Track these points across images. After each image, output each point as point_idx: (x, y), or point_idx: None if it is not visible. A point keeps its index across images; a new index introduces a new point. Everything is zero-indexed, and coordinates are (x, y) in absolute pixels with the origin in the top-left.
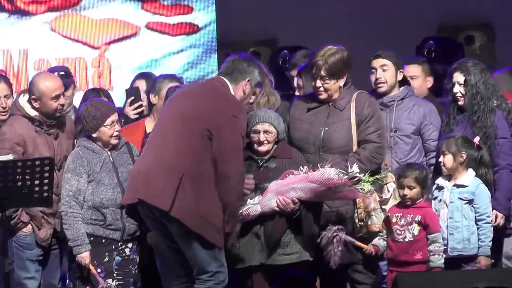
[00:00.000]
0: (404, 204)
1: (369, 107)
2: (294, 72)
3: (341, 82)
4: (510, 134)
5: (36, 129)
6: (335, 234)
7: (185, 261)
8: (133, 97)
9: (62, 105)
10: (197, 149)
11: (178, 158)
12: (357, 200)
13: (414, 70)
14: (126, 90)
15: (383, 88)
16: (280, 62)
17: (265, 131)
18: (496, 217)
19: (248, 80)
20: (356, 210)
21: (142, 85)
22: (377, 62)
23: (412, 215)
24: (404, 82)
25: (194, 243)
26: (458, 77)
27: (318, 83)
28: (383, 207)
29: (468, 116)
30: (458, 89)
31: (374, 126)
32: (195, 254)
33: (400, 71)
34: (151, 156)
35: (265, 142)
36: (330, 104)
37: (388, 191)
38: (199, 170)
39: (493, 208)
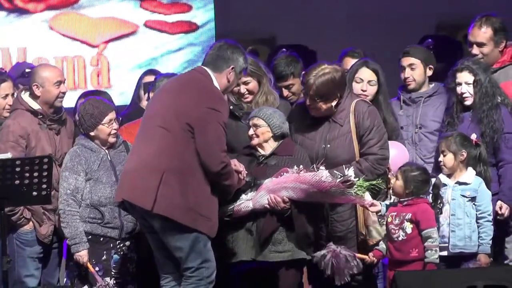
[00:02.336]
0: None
1: (368, 118)
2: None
3: (333, 102)
4: None
5: (40, 122)
6: (332, 249)
7: (173, 258)
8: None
9: (64, 93)
10: (180, 144)
11: (159, 157)
12: (358, 213)
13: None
14: (144, 84)
15: (411, 86)
16: None
17: (253, 125)
18: (500, 207)
19: (233, 68)
20: (356, 224)
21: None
22: (405, 61)
23: (404, 214)
24: (434, 78)
25: (178, 239)
26: (466, 77)
27: (308, 101)
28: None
29: (474, 113)
30: (466, 89)
31: (375, 138)
32: (179, 250)
33: (430, 67)
34: (136, 156)
35: (254, 136)
36: (330, 119)
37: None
38: (183, 165)
39: (498, 199)
